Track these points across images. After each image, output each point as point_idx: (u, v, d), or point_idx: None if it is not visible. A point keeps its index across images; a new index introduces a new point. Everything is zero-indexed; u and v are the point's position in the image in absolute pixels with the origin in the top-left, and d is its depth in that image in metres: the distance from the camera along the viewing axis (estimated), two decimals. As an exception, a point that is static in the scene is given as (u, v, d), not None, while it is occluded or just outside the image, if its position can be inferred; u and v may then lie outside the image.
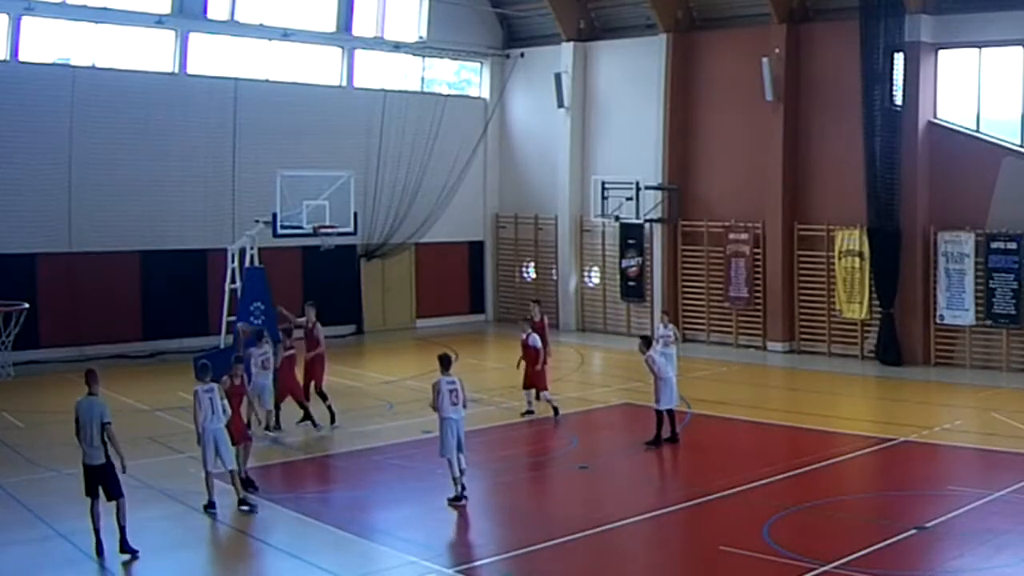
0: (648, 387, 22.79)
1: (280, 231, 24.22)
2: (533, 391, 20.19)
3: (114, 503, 12.60)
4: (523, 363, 20.24)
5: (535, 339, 20.12)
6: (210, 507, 14.22)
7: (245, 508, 14.27)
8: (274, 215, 24.09)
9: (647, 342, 18.44)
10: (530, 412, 20.14)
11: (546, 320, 22.28)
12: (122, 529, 12.54)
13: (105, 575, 12.28)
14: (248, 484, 14.99)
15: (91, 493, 12.65)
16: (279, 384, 19.06)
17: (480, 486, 15.68)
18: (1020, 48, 24.09)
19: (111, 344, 26.54)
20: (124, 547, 12.51)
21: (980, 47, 24.68)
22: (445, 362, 14.88)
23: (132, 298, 27.37)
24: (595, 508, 14.85)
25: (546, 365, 20.43)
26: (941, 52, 25.17)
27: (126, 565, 12.39)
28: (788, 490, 15.24)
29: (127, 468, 12.79)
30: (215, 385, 14.34)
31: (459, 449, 14.56)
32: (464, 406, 14.75)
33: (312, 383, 19.44)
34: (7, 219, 25.31)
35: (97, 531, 12.56)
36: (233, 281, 24.44)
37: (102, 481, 12.61)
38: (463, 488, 14.59)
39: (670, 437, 18.03)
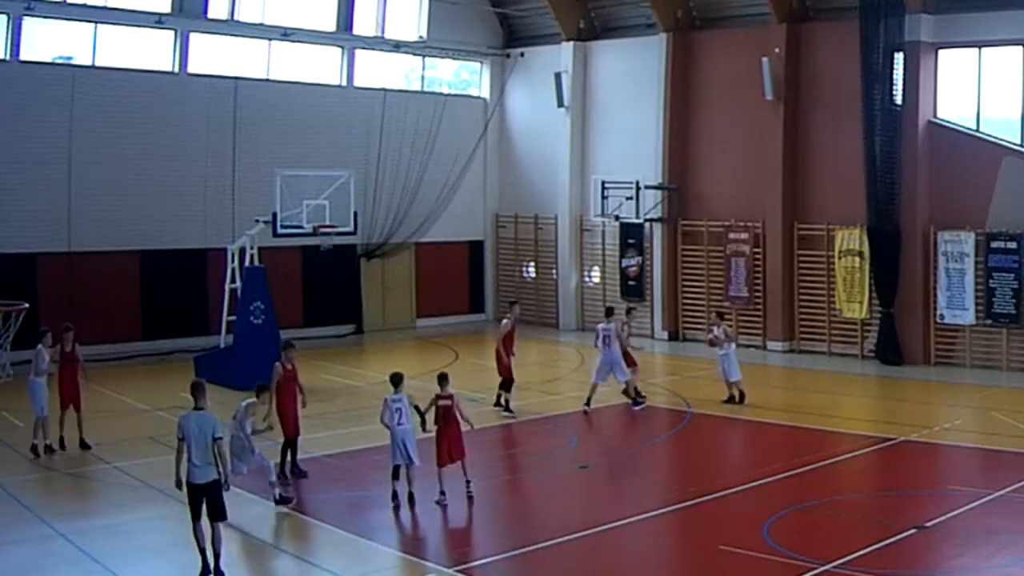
0: (647, 386, 22.87)
1: (280, 231, 24.20)
2: None
3: (214, 525, 11.95)
4: None
5: None
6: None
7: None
8: (274, 215, 24.07)
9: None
10: None
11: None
12: (217, 556, 11.91)
13: None
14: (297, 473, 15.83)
15: (195, 514, 11.91)
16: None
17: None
18: (1020, 48, 24.08)
19: (111, 344, 26.49)
20: (218, 573, 11.87)
21: (980, 47, 24.66)
22: (395, 380, 15.16)
23: (132, 298, 27.34)
24: (595, 508, 14.83)
25: None
26: (941, 52, 25.15)
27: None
28: (788, 490, 15.24)
29: (229, 484, 12.35)
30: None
31: (408, 459, 14.73)
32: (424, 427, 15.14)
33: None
34: (7, 219, 25.29)
35: (203, 551, 11.87)
36: (233, 281, 24.44)
37: (208, 499, 11.90)
38: (411, 496, 14.69)
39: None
